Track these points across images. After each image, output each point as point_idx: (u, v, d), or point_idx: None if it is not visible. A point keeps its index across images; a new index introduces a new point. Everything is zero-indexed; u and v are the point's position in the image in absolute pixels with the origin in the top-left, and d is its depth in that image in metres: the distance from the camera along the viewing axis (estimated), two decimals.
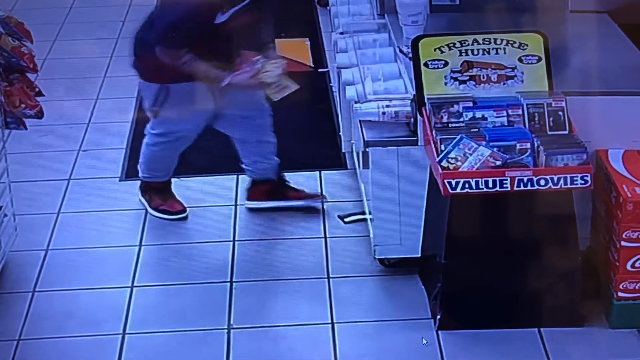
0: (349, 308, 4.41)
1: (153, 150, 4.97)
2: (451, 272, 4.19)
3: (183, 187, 5.22)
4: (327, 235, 4.92)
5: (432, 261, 4.34)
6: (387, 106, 4.46)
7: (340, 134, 5.57)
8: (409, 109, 4.40)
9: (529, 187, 3.94)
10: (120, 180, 5.49)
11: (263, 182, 5.09)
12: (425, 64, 4.21)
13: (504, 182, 3.94)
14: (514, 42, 4.22)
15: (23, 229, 4.86)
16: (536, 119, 4.12)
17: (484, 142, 4.00)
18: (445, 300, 4.22)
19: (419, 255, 4.49)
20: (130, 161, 5.65)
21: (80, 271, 4.72)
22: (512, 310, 4.21)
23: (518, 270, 4.16)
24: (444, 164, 3.97)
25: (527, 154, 4.00)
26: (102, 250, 4.87)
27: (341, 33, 5.28)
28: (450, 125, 4.12)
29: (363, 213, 4.92)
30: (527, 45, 4.22)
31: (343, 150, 5.57)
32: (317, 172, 5.46)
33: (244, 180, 5.30)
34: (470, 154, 3.97)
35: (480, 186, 3.93)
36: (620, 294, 4.15)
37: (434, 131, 4.10)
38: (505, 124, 4.13)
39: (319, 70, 6.71)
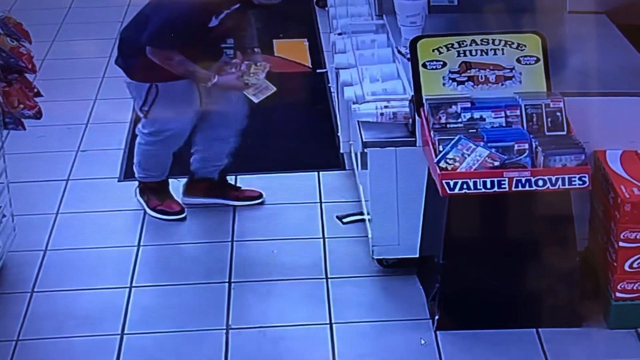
0: (347, 308, 4.41)
1: (145, 149, 4.98)
2: (449, 272, 4.19)
3: (181, 188, 5.21)
4: (326, 236, 4.92)
5: (431, 261, 4.34)
6: (386, 107, 4.46)
7: (339, 134, 5.57)
8: (407, 109, 4.40)
9: (527, 188, 3.94)
10: (118, 181, 5.49)
11: (204, 180, 5.12)
12: (424, 65, 4.22)
13: (502, 182, 3.94)
14: (512, 43, 4.22)
15: (22, 229, 4.86)
16: (534, 119, 4.12)
17: (482, 143, 4.01)
18: (443, 300, 4.22)
19: (417, 256, 4.49)
20: (129, 162, 5.65)
21: (79, 271, 4.72)
22: (510, 311, 4.21)
23: (516, 270, 4.16)
24: (442, 164, 3.97)
25: (525, 154, 4.00)
26: (100, 251, 4.87)
27: (339, 34, 5.28)
28: (448, 126, 4.13)
29: (361, 214, 4.93)
30: (525, 46, 4.22)
31: (341, 151, 5.57)
32: (316, 173, 5.46)
33: (240, 180, 5.31)
34: (469, 155, 3.97)
35: (479, 187, 3.94)
36: (618, 294, 4.15)
37: (432, 132, 4.10)
38: (504, 124, 4.13)
39: (318, 71, 6.72)
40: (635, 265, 4.10)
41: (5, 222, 4.71)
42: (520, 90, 4.20)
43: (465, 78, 4.22)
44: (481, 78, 4.22)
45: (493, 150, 3.99)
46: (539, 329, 4.20)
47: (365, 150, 4.39)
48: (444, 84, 4.22)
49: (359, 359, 4.13)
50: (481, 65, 4.22)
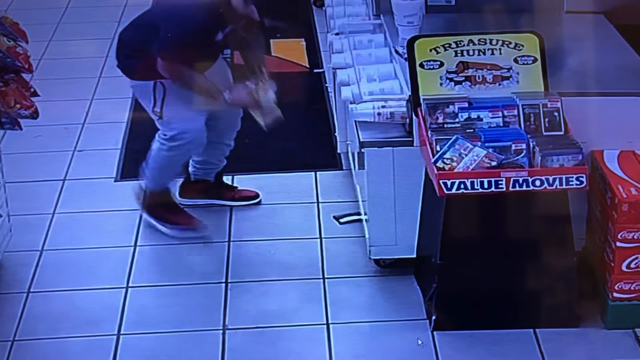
0: (344, 309, 4.40)
1: (167, 156, 4.80)
2: (446, 272, 4.18)
3: (177, 189, 5.21)
4: (323, 236, 4.91)
5: (428, 262, 4.34)
6: (383, 107, 4.46)
7: (336, 134, 5.57)
8: (404, 109, 4.40)
9: (524, 188, 3.94)
10: (115, 181, 5.48)
11: (199, 181, 5.10)
12: (421, 65, 4.21)
13: (500, 182, 3.94)
14: (510, 43, 4.22)
15: (18, 230, 4.85)
16: (532, 119, 4.12)
17: (479, 143, 4.00)
18: (440, 300, 4.22)
19: (415, 256, 4.49)
20: (126, 162, 5.65)
21: (75, 272, 4.71)
22: (507, 311, 4.20)
23: (513, 270, 4.15)
24: (440, 164, 3.97)
25: (523, 154, 4.00)
26: (97, 251, 4.86)
27: (337, 34, 5.28)
28: (445, 125, 4.12)
29: (358, 214, 4.92)
30: (522, 45, 4.22)
31: (338, 151, 5.57)
32: (313, 173, 5.46)
33: (237, 180, 5.31)
34: (466, 155, 3.97)
35: (476, 187, 3.93)
36: (615, 294, 4.15)
37: (429, 132, 4.10)
38: (501, 124, 4.13)
39: (315, 70, 6.72)
40: (632, 265, 4.10)
41: (2, 222, 4.71)
42: (517, 90, 4.20)
43: (463, 78, 4.22)
44: (478, 78, 4.22)
45: (490, 150, 3.98)
46: (537, 329, 4.20)
47: (363, 150, 4.39)
48: (441, 84, 4.21)
49: (356, 359, 4.13)
50: (478, 65, 4.22)
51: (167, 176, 4.94)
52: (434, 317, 4.23)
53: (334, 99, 5.68)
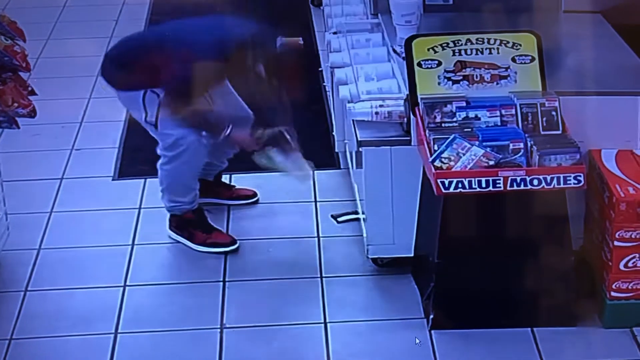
0: (341, 308, 4.40)
1: (169, 170, 4.68)
2: (444, 271, 4.18)
3: None
4: (320, 235, 4.91)
5: (425, 261, 4.34)
6: (381, 106, 4.46)
7: (334, 133, 5.56)
8: (402, 108, 4.40)
9: (522, 187, 3.94)
10: (112, 180, 5.48)
11: (199, 181, 5.06)
12: (419, 64, 4.21)
13: (497, 182, 3.94)
14: (507, 42, 4.22)
15: (15, 228, 4.85)
16: (529, 118, 4.12)
17: (477, 142, 4.00)
18: (438, 299, 4.22)
19: (412, 255, 4.49)
20: (123, 160, 5.65)
21: (73, 270, 4.71)
22: (505, 310, 4.20)
23: (511, 270, 4.15)
24: (437, 163, 3.97)
25: (520, 153, 4.00)
26: (94, 250, 4.86)
27: (334, 33, 5.27)
28: (443, 125, 4.12)
29: (356, 212, 4.92)
30: (520, 45, 4.22)
31: (336, 150, 5.56)
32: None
33: (235, 179, 5.30)
34: (464, 154, 3.97)
35: (473, 186, 3.93)
36: (613, 293, 4.15)
37: (427, 131, 4.10)
38: (499, 123, 4.13)
39: None
40: (630, 264, 4.10)
41: None
42: (515, 90, 4.20)
43: (461, 77, 4.22)
44: (476, 77, 4.22)
45: (488, 149, 3.98)
46: (534, 329, 4.20)
47: (360, 149, 4.39)
48: (439, 83, 4.21)
49: (354, 358, 4.13)
50: (476, 65, 4.22)
51: (179, 193, 4.75)
52: (431, 316, 4.23)
53: (331, 98, 5.68)
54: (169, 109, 4.57)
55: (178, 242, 4.84)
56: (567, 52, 4.70)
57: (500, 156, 3.98)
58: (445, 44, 4.21)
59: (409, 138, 4.32)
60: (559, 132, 4.10)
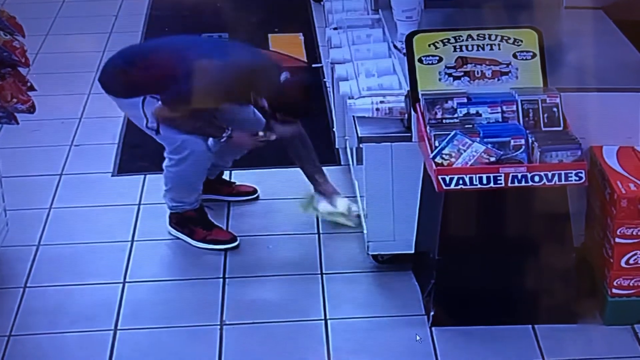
0: (342, 304, 4.39)
1: (175, 172, 4.67)
2: (445, 268, 4.17)
3: None
4: (321, 231, 4.90)
5: (426, 257, 4.33)
6: (381, 102, 4.44)
7: (334, 129, 5.56)
8: (403, 105, 4.39)
9: (523, 184, 3.93)
10: (112, 176, 5.47)
11: None
12: (420, 60, 4.20)
13: (498, 178, 3.93)
14: (509, 38, 4.21)
15: (14, 224, 4.84)
16: (530, 115, 4.11)
17: (478, 139, 3.99)
18: (438, 296, 4.21)
19: (413, 252, 4.48)
20: (122, 156, 5.64)
21: (72, 267, 4.70)
22: (505, 307, 4.20)
23: (512, 267, 4.15)
24: (438, 160, 3.96)
25: (522, 150, 3.99)
26: (94, 246, 4.85)
27: (335, 28, 5.26)
28: (444, 121, 4.11)
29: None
30: (521, 41, 4.21)
31: (337, 146, 5.55)
32: None
33: (235, 175, 5.29)
34: (465, 150, 3.96)
35: (474, 182, 3.92)
36: (614, 290, 4.14)
37: (428, 127, 4.09)
38: (500, 120, 4.12)
39: (313, 65, 6.70)
40: (631, 261, 4.09)
41: None
42: (516, 86, 4.19)
43: (462, 73, 4.20)
44: (477, 73, 4.21)
45: (489, 145, 3.97)
46: (535, 326, 4.19)
47: (361, 145, 4.38)
48: (440, 79, 4.20)
49: (354, 355, 4.12)
50: (477, 61, 4.21)
51: (184, 195, 4.75)
52: (432, 313, 4.23)
53: (332, 94, 5.67)
54: (163, 117, 4.57)
55: (178, 238, 4.84)
56: (568, 48, 4.69)
57: (502, 152, 3.97)
58: (446, 40, 4.20)
59: (409, 134, 4.31)
60: (560, 128, 4.09)
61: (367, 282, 4.54)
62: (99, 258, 4.76)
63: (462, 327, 4.20)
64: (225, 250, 4.75)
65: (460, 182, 3.92)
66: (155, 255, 4.81)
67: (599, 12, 4.98)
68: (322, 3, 6.31)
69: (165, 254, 4.82)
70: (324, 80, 6.14)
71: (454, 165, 3.93)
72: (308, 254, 4.74)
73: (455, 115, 4.12)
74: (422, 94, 4.17)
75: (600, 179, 4.19)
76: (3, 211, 4.75)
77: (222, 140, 4.61)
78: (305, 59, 6.85)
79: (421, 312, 4.30)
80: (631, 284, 4.13)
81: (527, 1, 4.92)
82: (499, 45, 4.21)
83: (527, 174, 3.93)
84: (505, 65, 4.20)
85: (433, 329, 4.21)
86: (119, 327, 4.29)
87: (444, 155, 3.96)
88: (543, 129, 4.09)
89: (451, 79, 4.20)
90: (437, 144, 4.00)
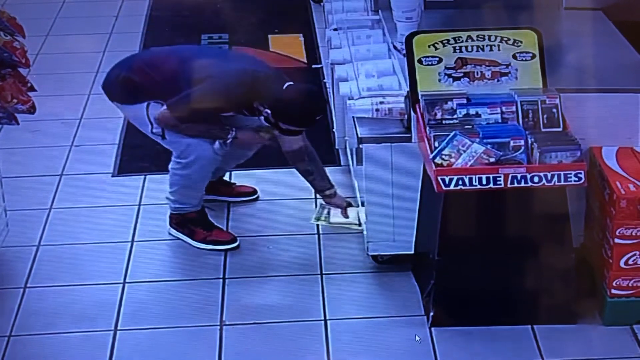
0: (341, 305, 4.40)
1: (182, 175, 4.66)
2: (444, 269, 4.18)
3: None
4: (320, 232, 4.90)
5: (426, 258, 4.33)
6: (381, 103, 4.45)
7: (334, 130, 5.56)
8: (402, 105, 4.39)
9: (522, 184, 3.94)
10: (112, 176, 5.48)
11: None
12: (419, 61, 4.20)
13: (498, 179, 3.93)
14: (508, 39, 4.21)
15: (15, 225, 4.84)
16: (530, 116, 4.11)
17: (477, 139, 4.00)
18: (438, 297, 4.21)
19: (412, 252, 4.48)
20: (123, 157, 5.64)
21: (72, 267, 4.70)
22: (505, 307, 4.20)
23: (511, 267, 4.15)
24: (438, 160, 3.96)
25: (521, 151, 3.99)
26: (94, 246, 4.85)
27: (335, 29, 5.27)
28: (444, 122, 4.11)
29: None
30: (521, 42, 4.21)
31: (336, 147, 5.56)
32: None
33: (235, 176, 5.29)
34: (464, 151, 3.96)
35: (474, 183, 3.93)
36: (613, 291, 4.15)
37: (427, 128, 4.09)
38: (499, 121, 4.12)
39: (313, 66, 6.71)
40: (630, 262, 4.10)
41: None
42: (516, 87, 4.19)
43: (461, 74, 4.21)
44: (477, 74, 4.21)
45: (489, 146, 3.98)
46: (534, 326, 4.19)
47: (361, 146, 4.38)
48: (439, 80, 4.20)
49: (354, 356, 4.12)
50: (477, 62, 4.21)
51: (188, 198, 4.76)
52: (431, 314, 4.23)
53: (332, 95, 5.67)
54: (164, 122, 4.58)
55: (178, 239, 4.84)
56: (568, 49, 4.69)
57: (501, 153, 3.98)
58: (446, 41, 4.21)
59: (409, 135, 4.32)
60: (560, 129, 4.09)
61: (367, 283, 4.54)
62: (99, 258, 4.76)
63: (462, 327, 4.21)
64: (226, 250, 4.76)
65: (460, 182, 3.93)
66: (156, 255, 4.81)
67: (599, 13, 4.99)
68: (322, 4, 6.32)
69: (165, 254, 4.82)
70: (324, 81, 6.14)
71: (453, 166, 3.94)
72: (308, 254, 4.74)
73: (455, 116, 4.12)
74: (422, 95, 4.18)
75: (599, 180, 4.20)
76: (3, 211, 4.76)
77: (228, 141, 4.61)
78: (305, 60, 6.85)
79: (421, 313, 4.31)
80: (630, 285, 4.13)
81: (527, 2, 4.93)
82: (498, 46, 4.21)
83: (527, 174, 3.93)
84: (504, 66, 4.21)
85: (433, 329, 4.21)
86: (119, 328, 4.29)
87: (443, 156, 3.96)
88: (542, 129, 4.09)
89: (451, 79, 4.21)
90: (436, 145, 4.00)
